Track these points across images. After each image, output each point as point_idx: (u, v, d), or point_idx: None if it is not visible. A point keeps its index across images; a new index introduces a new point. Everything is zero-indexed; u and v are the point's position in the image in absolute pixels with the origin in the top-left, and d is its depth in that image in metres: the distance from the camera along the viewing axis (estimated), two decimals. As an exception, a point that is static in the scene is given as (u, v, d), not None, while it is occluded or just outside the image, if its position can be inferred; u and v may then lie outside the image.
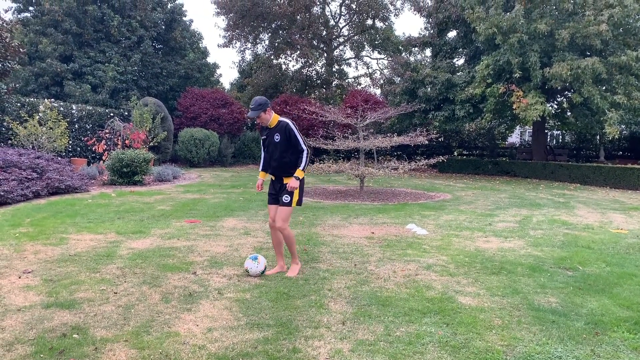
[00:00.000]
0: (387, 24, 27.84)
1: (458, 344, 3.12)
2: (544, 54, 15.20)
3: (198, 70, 26.23)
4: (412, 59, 24.35)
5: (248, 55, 30.80)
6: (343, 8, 28.12)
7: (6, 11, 21.82)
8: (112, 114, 17.77)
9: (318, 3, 26.88)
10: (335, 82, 28.86)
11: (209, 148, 20.15)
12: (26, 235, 6.17)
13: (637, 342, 3.20)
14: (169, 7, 24.32)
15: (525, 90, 15.23)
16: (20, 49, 13.54)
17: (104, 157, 14.34)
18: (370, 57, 31.29)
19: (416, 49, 24.86)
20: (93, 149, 15.47)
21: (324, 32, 27.67)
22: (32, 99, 15.02)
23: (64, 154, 14.84)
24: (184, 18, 25.19)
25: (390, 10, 27.02)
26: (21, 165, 9.78)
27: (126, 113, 18.77)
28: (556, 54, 14.80)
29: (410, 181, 15.53)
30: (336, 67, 29.59)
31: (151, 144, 16.08)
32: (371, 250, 5.67)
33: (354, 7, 27.06)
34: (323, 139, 12.96)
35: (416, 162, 11.48)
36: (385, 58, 29.22)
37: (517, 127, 27.41)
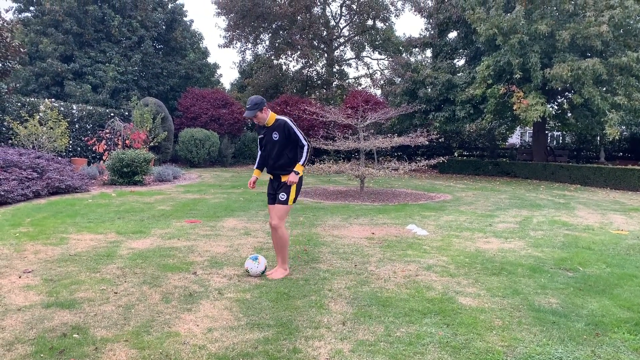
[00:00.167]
0: (387, 24, 27.85)
1: (458, 345, 3.11)
2: (545, 54, 15.19)
3: (198, 71, 26.24)
4: (412, 59, 24.36)
5: (248, 56, 30.88)
6: (343, 8, 28.15)
7: (7, 11, 21.87)
8: (112, 114, 17.77)
9: (319, 3, 26.90)
10: (335, 83, 28.86)
11: (209, 148, 20.16)
12: (26, 235, 6.17)
13: (637, 343, 3.20)
14: (169, 7, 24.34)
15: (526, 91, 15.23)
16: (21, 49, 13.55)
17: (104, 157, 14.35)
18: (371, 58, 31.33)
19: (417, 49, 24.90)
20: (93, 149, 15.48)
21: (325, 33, 27.68)
22: (32, 99, 15.03)
23: (65, 153, 14.84)
24: (184, 18, 25.20)
25: (391, 11, 27.04)
26: (21, 165, 9.78)
27: (127, 113, 18.77)
28: (557, 54, 14.79)
29: (410, 182, 15.52)
30: (337, 67, 29.59)
31: (151, 144, 16.08)
32: (371, 251, 5.66)
33: (355, 7, 27.08)
34: (323, 139, 12.95)
35: (416, 162, 11.48)
36: (386, 58, 29.25)
37: (518, 128, 27.41)
